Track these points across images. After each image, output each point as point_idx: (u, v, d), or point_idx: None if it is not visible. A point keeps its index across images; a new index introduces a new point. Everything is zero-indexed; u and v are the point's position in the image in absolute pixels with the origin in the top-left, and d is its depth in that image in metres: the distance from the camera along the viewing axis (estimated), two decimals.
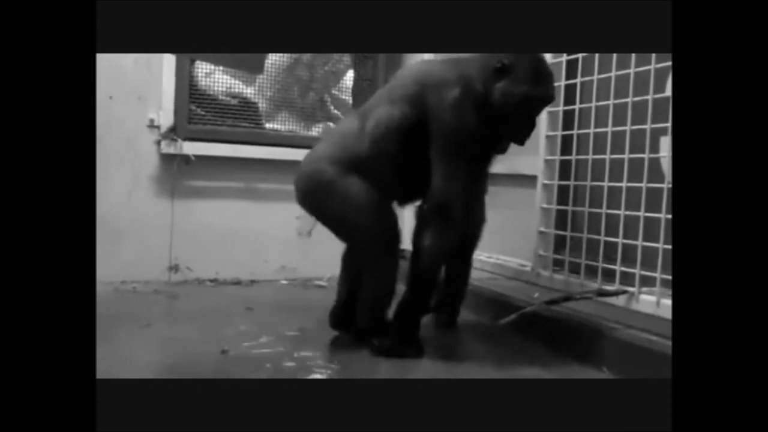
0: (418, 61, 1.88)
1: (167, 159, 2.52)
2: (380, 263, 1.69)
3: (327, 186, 1.69)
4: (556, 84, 1.86)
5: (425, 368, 1.58)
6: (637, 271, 1.54)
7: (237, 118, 2.67)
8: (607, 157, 1.69)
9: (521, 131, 1.62)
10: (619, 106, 1.66)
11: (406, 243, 1.68)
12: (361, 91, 2.86)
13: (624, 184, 1.62)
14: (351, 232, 1.73)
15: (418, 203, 1.70)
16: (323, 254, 1.90)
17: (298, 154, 1.85)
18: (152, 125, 2.50)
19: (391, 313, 1.68)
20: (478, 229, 1.92)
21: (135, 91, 2.48)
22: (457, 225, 1.61)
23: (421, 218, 1.63)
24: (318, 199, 1.73)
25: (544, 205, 1.93)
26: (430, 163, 1.61)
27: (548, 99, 1.64)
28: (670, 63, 1.49)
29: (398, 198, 1.77)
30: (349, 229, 1.73)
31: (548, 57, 1.90)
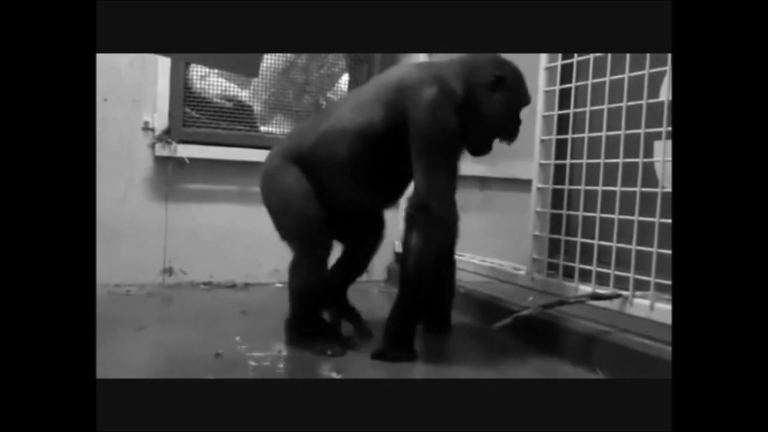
0: (393, 67, 1.89)
1: (161, 162, 2.52)
2: (300, 258, 1.74)
3: (269, 177, 1.76)
4: (551, 88, 1.90)
5: (419, 370, 1.58)
6: (631, 274, 1.55)
7: (232, 121, 2.67)
8: (601, 161, 1.70)
9: (513, 129, 1.73)
10: (613, 111, 1.67)
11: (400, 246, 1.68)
12: None
13: (618, 189, 1.63)
14: (280, 225, 1.77)
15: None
16: None
17: None
18: (147, 128, 2.49)
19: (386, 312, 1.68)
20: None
21: (130, 93, 2.47)
22: (444, 224, 1.59)
23: (408, 220, 1.61)
24: (264, 191, 1.79)
25: (539, 209, 1.94)
26: (394, 170, 1.65)
27: (528, 102, 1.76)
28: (664, 68, 1.50)
29: (346, 201, 1.77)
30: (279, 221, 1.77)
31: (543, 60, 1.92)
